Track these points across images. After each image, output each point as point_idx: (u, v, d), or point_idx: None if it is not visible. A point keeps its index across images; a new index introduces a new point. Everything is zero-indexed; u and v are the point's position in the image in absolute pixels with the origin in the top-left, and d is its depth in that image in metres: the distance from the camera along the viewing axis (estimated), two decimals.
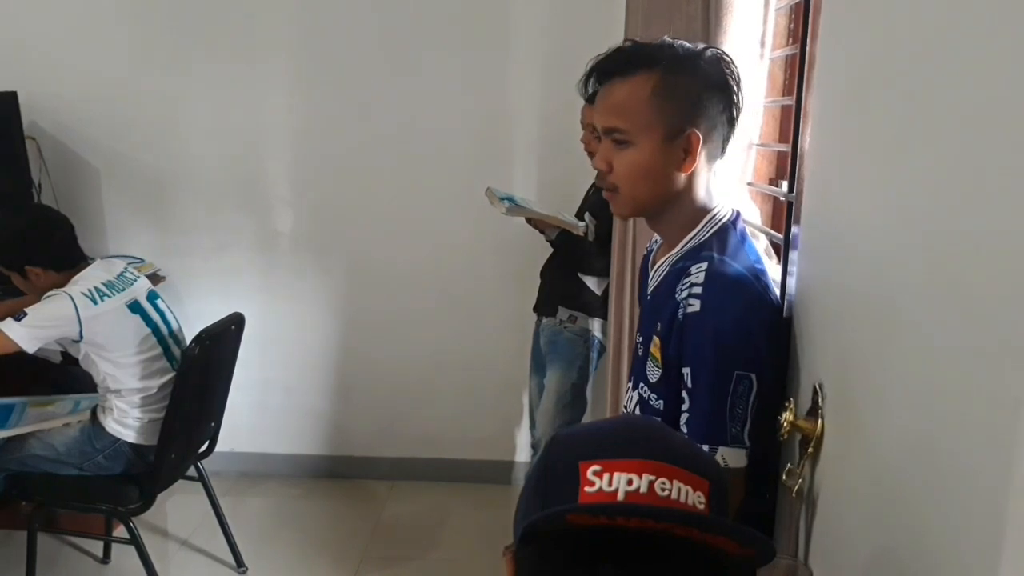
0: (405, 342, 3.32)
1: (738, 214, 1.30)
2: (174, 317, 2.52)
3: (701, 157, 1.22)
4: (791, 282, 1.28)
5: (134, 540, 2.39)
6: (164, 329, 2.43)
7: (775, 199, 1.93)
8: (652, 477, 0.72)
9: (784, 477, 1.11)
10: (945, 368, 0.72)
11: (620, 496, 0.71)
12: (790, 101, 1.53)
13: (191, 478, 2.70)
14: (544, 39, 3.05)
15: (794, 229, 1.29)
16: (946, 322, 0.72)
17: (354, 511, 3.20)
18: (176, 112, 3.17)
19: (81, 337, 2.24)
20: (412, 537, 3.05)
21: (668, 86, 1.19)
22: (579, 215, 2.78)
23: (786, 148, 1.55)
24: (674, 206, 1.26)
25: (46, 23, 3.11)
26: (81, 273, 2.31)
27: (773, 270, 1.43)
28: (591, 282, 2.68)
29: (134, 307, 2.35)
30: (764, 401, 1.16)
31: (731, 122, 1.25)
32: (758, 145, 1.87)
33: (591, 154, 2.69)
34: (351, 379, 3.38)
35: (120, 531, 2.73)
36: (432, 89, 3.10)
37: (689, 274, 1.19)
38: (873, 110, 0.94)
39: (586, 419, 2.79)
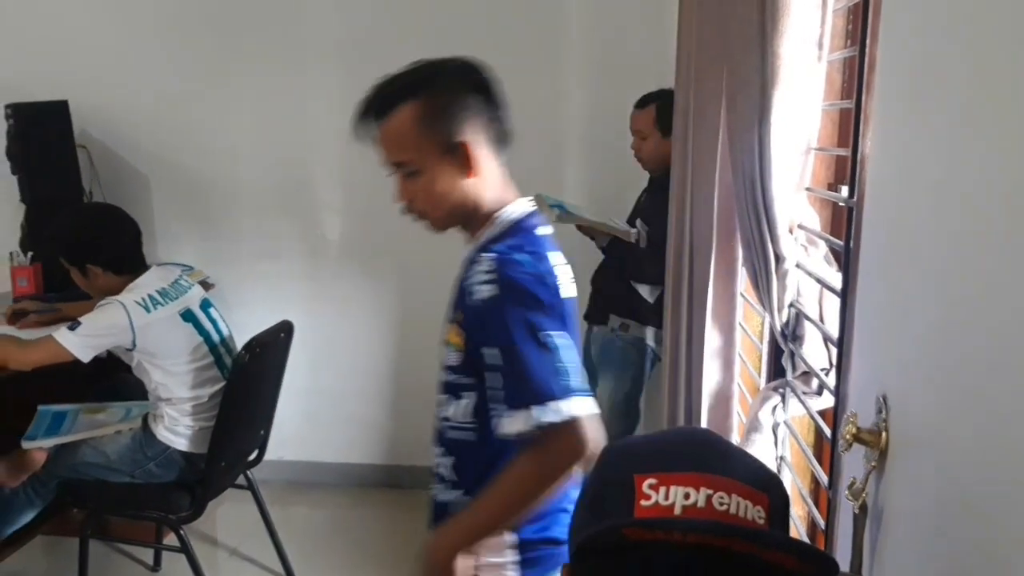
0: None
1: (532, 213, 1.41)
2: (226, 325, 2.51)
3: (482, 158, 1.34)
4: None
5: (184, 548, 2.38)
6: (216, 337, 2.43)
7: (834, 204, 1.86)
8: (710, 491, 0.71)
9: (846, 491, 1.09)
10: (1017, 379, 0.69)
11: (677, 510, 0.70)
12: (849, 104, 1.48)
13: (240, 486, 2.69)
14: (594, 45, 3.02)
15: (855, 235, 1.24)
16: (1017, 331, 0.69)
17: (404, 521, 3.16)
18: (223, 119, 3.19)
19: (134, 346, 2.24)
20: None
21: (429, 109, 1.31)
22: (631, 221, 2.73)
23: (845, 152, 1.49)
24: (475, 209, 1.38)
25: (96, 34, 3.16)
26: (137, 280, 2.30)
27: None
28: (644, 290, 2.62)
29: (187, 316, 2.35)
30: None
31: (498, 119, 1.37)
32: (816, 149, 1.81)
33: (641, 160, 2.65)
34: (399, 387, 3.36)
35: (170, 539, 2.73)
36: None
37: (480, 262, 1.30)
38: (937, 112, 0.91)
39: (639, 430, 2.73)
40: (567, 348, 1.27)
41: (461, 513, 1.34)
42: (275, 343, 2.49)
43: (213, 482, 2.38)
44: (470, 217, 1.40)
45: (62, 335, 2.17)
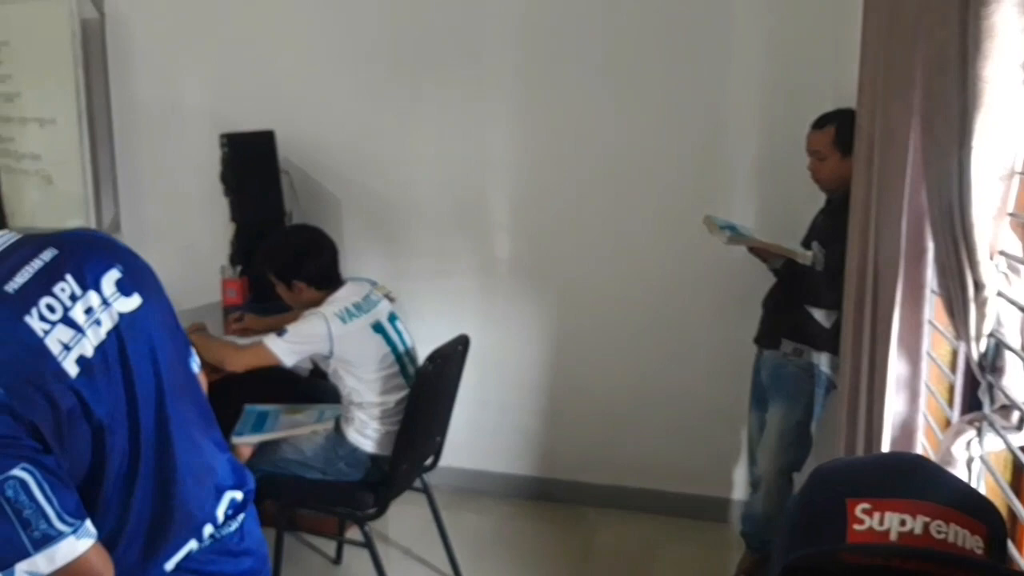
0: (616, 367, 3.33)
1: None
2: (409, 336, 2.68)
3: None
4: None
5: (369, 544, 2.52)
6: (401, 348, 2.59)
7: None
8: (927, 519, 0.69)
9: None
10: None
11: (892, 536, 0.69)
12: None
13: (415, 489, 2.83)
14: (768, 61, 2.99)
15: None
16: None
17: (564, 536, 3.23)
18: (407, 147, 3.40)
19: (331, 353, 2.44)
20: (623, 568, 3.03)
21: None
22: (805, 243, 2.68)
23: None
24: None
25: (299, 73, 3.47)
26: (335, 294, 2.52)
27: None
28: (819, 315, 2.56)
29: (377, 327, 2.53)
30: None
31: None
32: (1021, 174, 1.72)
33: (819, 180, 2.60)
34: (561, 402, 3.43)
35: (350, 534, 2.92)
36: (648, 117, 3.12)
37: None
38: None
39: (812, 460, 2.66)
40: (31, 483, 1.01)
41: None
42: (453, 355, 2.63)
43: (395, 483, 2.53)
44: None
45: (271, 340, 2.40)
